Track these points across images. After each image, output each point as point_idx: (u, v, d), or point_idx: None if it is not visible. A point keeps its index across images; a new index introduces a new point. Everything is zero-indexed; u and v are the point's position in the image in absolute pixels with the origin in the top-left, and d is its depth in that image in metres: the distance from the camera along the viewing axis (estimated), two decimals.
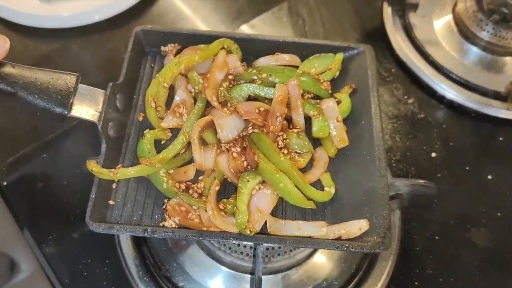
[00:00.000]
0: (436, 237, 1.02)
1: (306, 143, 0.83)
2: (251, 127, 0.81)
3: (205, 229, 0.72)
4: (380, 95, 1.07)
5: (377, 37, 1.13)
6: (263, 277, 0.87)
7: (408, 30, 1.18)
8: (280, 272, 0.95)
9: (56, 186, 1.06)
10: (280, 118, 0.81)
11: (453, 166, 1.10)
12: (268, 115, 0.81)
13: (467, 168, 1.10)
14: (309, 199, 0.78)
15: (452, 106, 1.15)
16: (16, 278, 1.00)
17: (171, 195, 0.77)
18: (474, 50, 1.17)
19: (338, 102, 0.86)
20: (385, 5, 1.18)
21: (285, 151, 0.81)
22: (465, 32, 1.16)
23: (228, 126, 0.81)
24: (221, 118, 0.81)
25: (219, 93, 0.85)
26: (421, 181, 0.86)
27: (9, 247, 1.02)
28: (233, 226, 0.72)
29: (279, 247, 0.92)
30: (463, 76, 1.13)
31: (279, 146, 0.81)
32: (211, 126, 0.82)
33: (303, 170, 0.82)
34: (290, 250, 0.93)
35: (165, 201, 0.77)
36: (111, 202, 0.77)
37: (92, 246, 1.00)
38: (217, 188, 0.77)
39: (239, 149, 0.79)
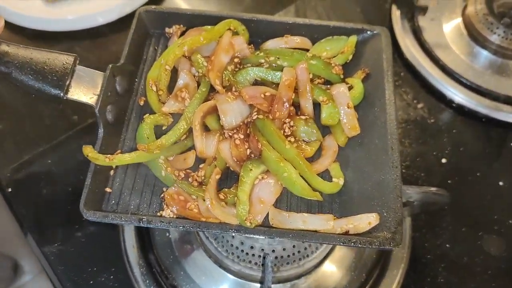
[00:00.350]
0: (447, 245, 1.00)
1: (314, 130, 0.78)
2: (255, 113, 0.76)
3: (203, 219, 0.69)
4: None
5: None
6: (272, 286, 0.84)
7: (417, 34, 1.16)
8: (289, 281, 0.91)
9: (61, 192, 1.04)
10: (286, 103, 0.76)
11: (464, 172, 1.08)
12: (274, 100, 0.77)
13: (478, 174, 1.07)
14: (315, 190, 0.73)
15: (462, 111, 1.13)
16: (19, 281, 0.99)
17: (170, 183, 0.73)
18: (485, 53, 1.14)
19: (350, 88, 0.81)
20: (394, 8, 1.16)
21: (292, 139, 0.76)
22: (475, 36, 1.13)
23: (232, 112, 0.77)
24: (224, 103, 0.77)
25: (224, 76, 0.81)
26: (433, 188, 0.84)
27: (13, 250, 1.01)
28: (233, 217, 0.68)
29: (288, 256, 0.88)
30: (473, 81, 1.11)
31: (286, 134, 0.77)
32: (214, 111, 0.78)
33: (311, 159, 0.77)
34: (300, 259, 0.89)
35: (164, 189, 0.74)
36: (108, 189, 0.74)
37: (97, 254, 0.98)
38: (218, 176, 0.73)
39: (242, 136, 0.75)
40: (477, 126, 1.12)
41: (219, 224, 0.68)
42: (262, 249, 0.87)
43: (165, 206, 0.71)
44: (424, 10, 1.16)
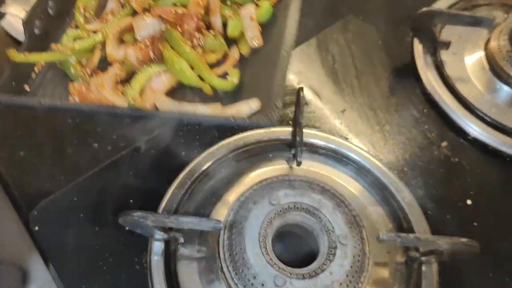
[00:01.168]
0: None
1: (220, 43, 0.83)
2: (165, 25, 0.83)
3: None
4: (413, 138, 1.03)
5: (408, 75, 1.05)
6: None
7: (439, 68, 1.11)
8: None
9: (88, 231, 0.94)
10: (195, 17, 0.82)
11: (490, 214, 1.00)
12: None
13: (504, 216, 1.00)
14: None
15: (486, 149, 1.06)
16: None
17: (76, 79, 0.80)
18: (507, 89, 1.07)
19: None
20: (416, 42, 1.12)
21: (199, 50, 0.82)
22: (497, 71, 1.07)
23: (145, 26, 0.83)
24: (140, 21, 0.84)
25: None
26: (463, 239, 0.81)
27: (21, 258, 0.99)
28: (122, 101, 0.73)
29: None
30: (497, 118, 1.04)
31: (193, 45, 0.82)
32: (132, 30, 0.85)
33: (214, 66, 0.82)
34: None
35: None
36: (26, 87, 0.81)
37: None
38: (119, 72, 0.78)
39: (148, 43, 0.81)
40: (502, 166, 1.04)
41: (108, 106, 0.73)
42: None
43: (70, 97, 0.77)
44: (447, 45, 1.10)
